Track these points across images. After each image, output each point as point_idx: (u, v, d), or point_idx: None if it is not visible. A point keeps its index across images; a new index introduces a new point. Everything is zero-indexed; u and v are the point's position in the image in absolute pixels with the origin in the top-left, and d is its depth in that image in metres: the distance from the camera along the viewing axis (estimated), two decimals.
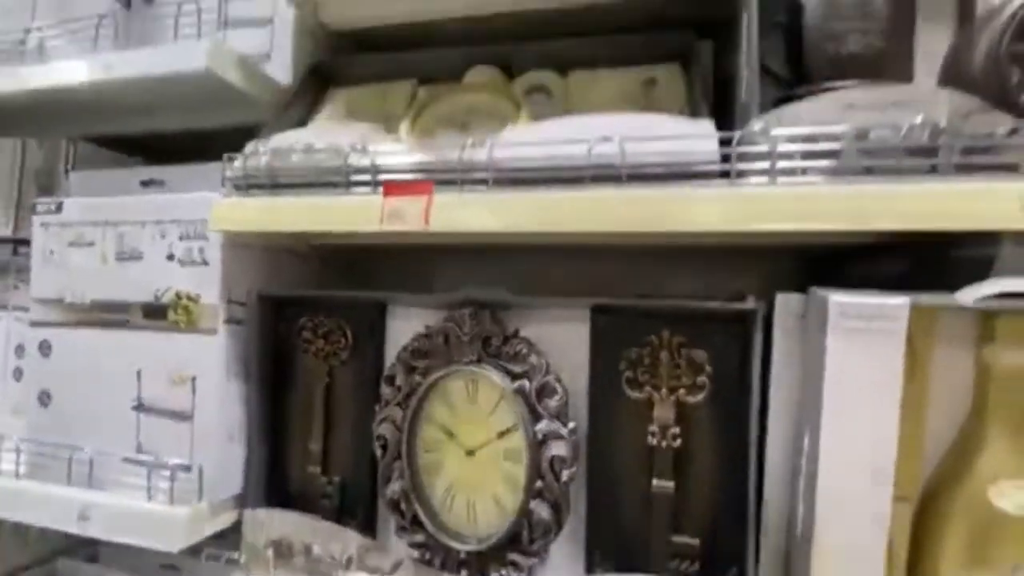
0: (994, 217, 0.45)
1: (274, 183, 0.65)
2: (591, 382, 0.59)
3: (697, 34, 0.74)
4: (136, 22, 0.92)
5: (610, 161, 0.55)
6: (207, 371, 0.69)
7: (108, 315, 0.73)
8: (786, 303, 0.53)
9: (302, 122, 0.83)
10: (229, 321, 0.70)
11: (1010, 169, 0.47)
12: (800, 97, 0.53)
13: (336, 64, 0.89)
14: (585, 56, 0.77)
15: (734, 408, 0.55)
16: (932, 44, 0.54)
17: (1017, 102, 0.48)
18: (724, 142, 0.53)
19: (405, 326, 0.68)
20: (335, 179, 0.62)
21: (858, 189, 0.48)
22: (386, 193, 0.59)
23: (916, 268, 0.57)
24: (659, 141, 0.54)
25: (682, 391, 0.56)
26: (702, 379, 0.56)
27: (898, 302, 0.43)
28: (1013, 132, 0.48)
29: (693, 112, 0.67)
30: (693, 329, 0.57)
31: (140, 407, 0.72)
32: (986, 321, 0.47)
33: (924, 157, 0.48)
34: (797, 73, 0.57)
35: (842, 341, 0.45)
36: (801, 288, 0.86)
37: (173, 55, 0.69)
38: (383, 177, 0.61)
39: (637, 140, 0.54)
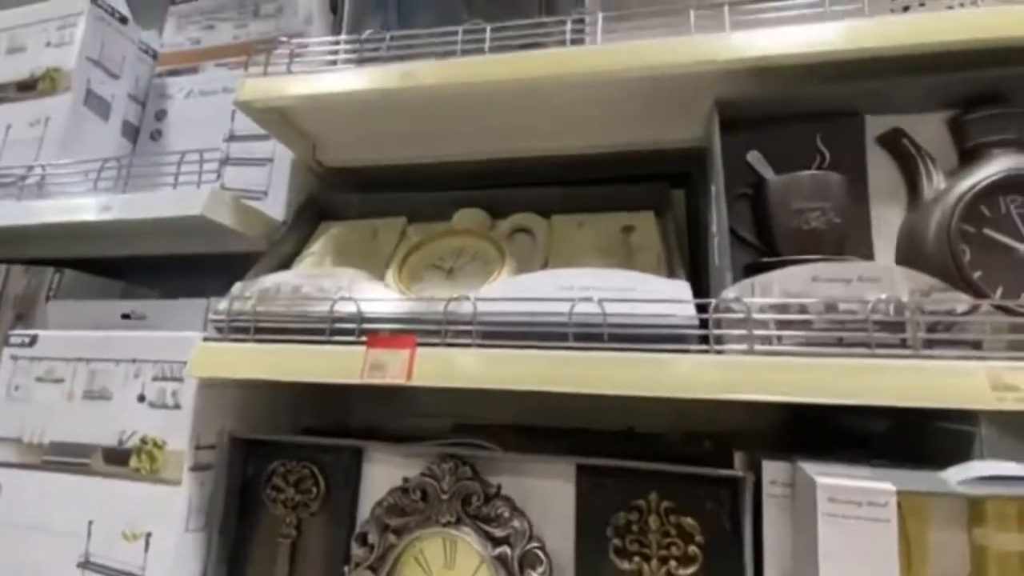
0: (967, 397, 0.46)
1: (258, 328, 0.65)
2: (577, 550, 0.56)
3: (670, 183, 0.80)
4: (139, 156, 0.97)
5: (592, 320, 0.56)
6: (164, 526, 0.64)
7: (66, 458, 0.69)
8: (774, 471, 0.52)
9: (294, 254, 0.85)
10: (195, 468, 0.66)
11: (975, 346, 0.49)
12: (769, 266, 0.56)
13: (330, 199, 0.93)
14: (567, 201, 0.82)
15: None
16: (886, 223, 0.59)
17: (970, 280, 0.51)
18: (702, 307, 0.55)
19: (382, 473, 0.65)
20: (320, 326, 0.62)
21: (834, 363, 0.49)
22: (369, 345, 0.59)
23: (901, 431, 0.57)
24: (640, 303, 0.56)
25: (673, 563, 0.53)
26: (693, 549, 0.53)
27: (884, 488, 0.43)
28: (973, 309, 0.50)
29: (669, 262, 0.70)
30: (682, 493, 0.55)
31: (86, 563, 0.66)
32: (975, 503, 0.46)
33: (892, 331, 0.50)
34: (764, 241, 0.60)
35: (833, 526, 0.43)
36: (789, 429, 0.85)
37: (171, 202, 0.72)
38: (368, 327, 0.61)
39: (618, 301, 0.56)
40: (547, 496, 0.59)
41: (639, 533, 0.55)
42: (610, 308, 0.56)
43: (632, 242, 0.77)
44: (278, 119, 0.83)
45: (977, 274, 0.53)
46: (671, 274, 0.67)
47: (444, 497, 0.59)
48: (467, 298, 0.59)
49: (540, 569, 0.55)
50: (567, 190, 0.82)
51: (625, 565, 0.54)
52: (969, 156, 0.57)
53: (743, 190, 0.62)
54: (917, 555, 0.47)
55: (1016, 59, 0.56)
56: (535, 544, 0.56)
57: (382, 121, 0.85)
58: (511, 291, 0.60)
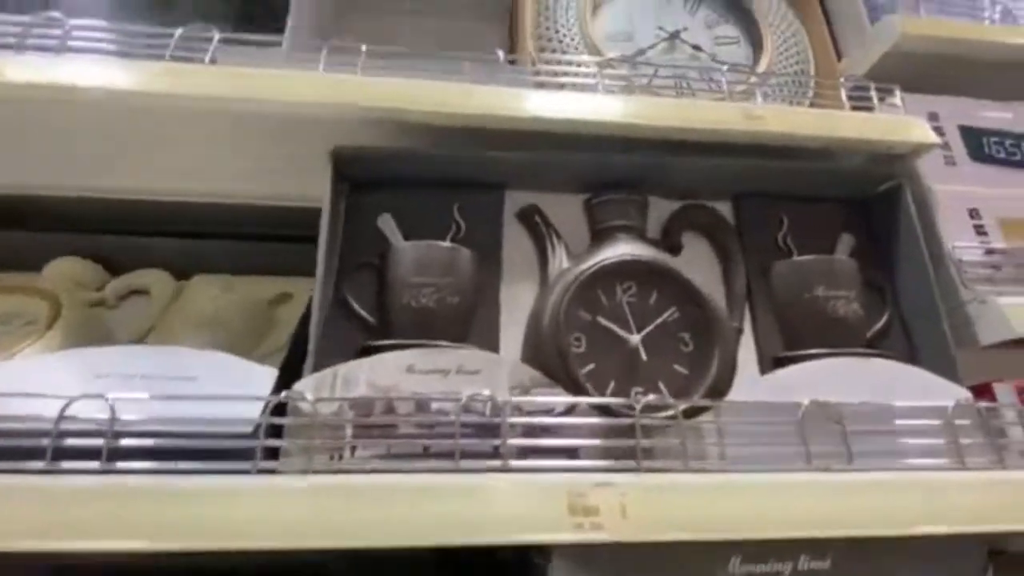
0: (541, 526, 0.37)
1: None
2: None
3: None
4: None
5: (95, 428, 0.38)
6: None
7: None
8: None
9: None
10: None
11: (569, 454, 0.42)
12: (377, 349, 0.45)
13: None
14: (223, 258, 0.66)
15: None
16: (517, 304, 0.52)
17: (574, 375, 0.45)
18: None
19: None
20: None
21: (405, 485, 0.37)
22: None
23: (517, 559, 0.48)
24: (193, 401, 0.40)
25: None
26: None
27: None
28: (570, 410, 0.44)
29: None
30: None
31: None
32: None
33: (484, 436, 0.41)
34: (381, 319, 0.49)
35: None
36: None
37: None
38: None
39: (153, 399, 0.40)
40: None
41: None
42: (137, 409, 0.39)
43: (279, 315, 0.62)
44: None
45: (589, 367, 0.47)
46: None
47: None
48: None
49: None
50: (220, 244, 0.65)
51: None
52: (597, 239, 0.54)
53: (371, 259, 0.52)
54: None
55: (644, 147, 0.56)
56: None
57: None
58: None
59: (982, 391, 0.51)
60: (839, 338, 0.50)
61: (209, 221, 0.68)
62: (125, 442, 0.38)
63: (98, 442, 0.38)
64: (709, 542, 0.38)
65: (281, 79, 0.51)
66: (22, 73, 0.50)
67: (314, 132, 0.54)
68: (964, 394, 0.47)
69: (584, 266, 0.50)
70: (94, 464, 0.37)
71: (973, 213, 0.56)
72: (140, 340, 0.57)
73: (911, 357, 0.53)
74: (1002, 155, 0.60)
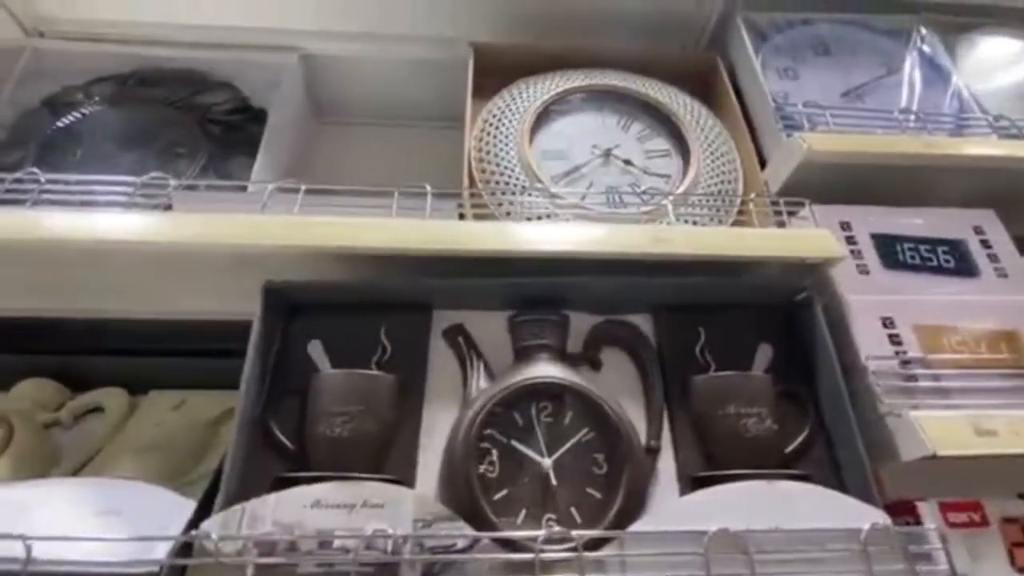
0: None
1: None
2: None
3: None
4: None
5: (12, 568, 0.40)
6: None
7: None
8: None
9: None
10: None
11: None
12: (289, 481, 0.47)
13: None
14: (170, 374, 0.70)
15: None
16: (439, 427, 0.54)
17: (480, 505, 0.46)
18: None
19: None
20: None
21: None
22: None
23: None
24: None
25: None
26: None
27: None
28: (472, 545, 0.44)
29: None
30: None
31: None
32: None
33: (384, 574, 0.42)
34: (301, 449, 0.52)
35: None
36: None
37: None
38: None
39: (69, 539, 0.42)
40: None
41: None
42: (54, 549, 0.41)
43: (223, 433, 0.65)
44: None
45: (502, 493, 0.48)
46: None
47: None
48: None
49: None
50: (170, 361, 0.69)
51: None
52: (519, 357, 0.56)
53: (299, 385, 0.54)
54: None
55: (565, 267, 0.59)
56: None
57: None
58: None
59: (905, 509, 0.50)
60: (753, 458, 0.50)
61: (168, 337, 0.72)
62: None
63: None
64: None
65: (223, 223, 0.56)
66: None
67: (257, 265, 0.59)
68: (880, 517, 0.47)
69: (498, 388, 0.52)
70: None
71: (887, 322, 0.57)
72: (87, 462, 0.59)
73: (835, 473, 0.53)
74: (916, 261, 0.62)
